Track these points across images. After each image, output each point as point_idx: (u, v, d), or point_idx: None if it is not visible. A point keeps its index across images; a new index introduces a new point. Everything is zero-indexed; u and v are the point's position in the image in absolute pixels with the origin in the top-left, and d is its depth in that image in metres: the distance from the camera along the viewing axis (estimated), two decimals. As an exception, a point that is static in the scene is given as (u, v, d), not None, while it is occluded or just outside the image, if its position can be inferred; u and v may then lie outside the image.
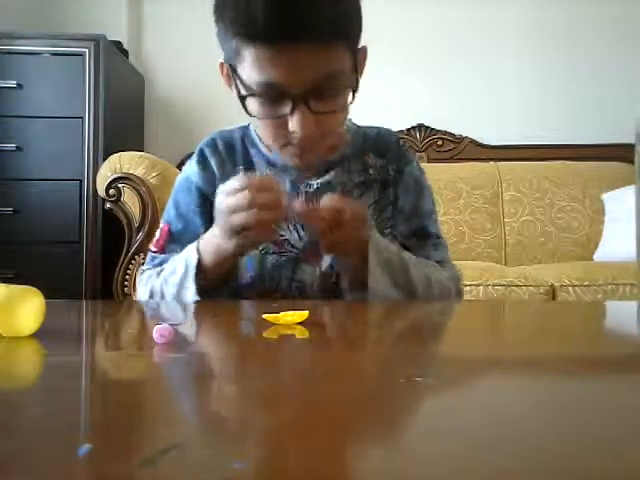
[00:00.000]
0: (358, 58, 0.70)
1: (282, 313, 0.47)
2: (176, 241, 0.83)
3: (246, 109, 0.69)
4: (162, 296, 0.77)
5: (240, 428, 0.22)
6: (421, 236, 0.83)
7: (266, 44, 0.63)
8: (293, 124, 0.66)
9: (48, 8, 2.54)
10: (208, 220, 0.79)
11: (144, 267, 0.87)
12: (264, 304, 0.66)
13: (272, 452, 0.20)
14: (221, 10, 0.67)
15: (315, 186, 0.80)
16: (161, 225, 0.86)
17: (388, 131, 0.90)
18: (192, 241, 0.78)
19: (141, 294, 0.82)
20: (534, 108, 2.66)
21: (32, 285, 0.43)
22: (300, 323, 0.47)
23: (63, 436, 0.21)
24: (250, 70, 0.65)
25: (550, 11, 2.64)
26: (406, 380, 0.29)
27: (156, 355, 0.36)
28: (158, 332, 0.38)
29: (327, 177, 0.81)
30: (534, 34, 2.67)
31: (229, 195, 0.67)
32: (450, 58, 2.67)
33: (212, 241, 0.73)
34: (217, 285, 0.75)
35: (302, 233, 0.78)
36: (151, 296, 0.79)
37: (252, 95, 0.67)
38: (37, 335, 0.41)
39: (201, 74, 2.54)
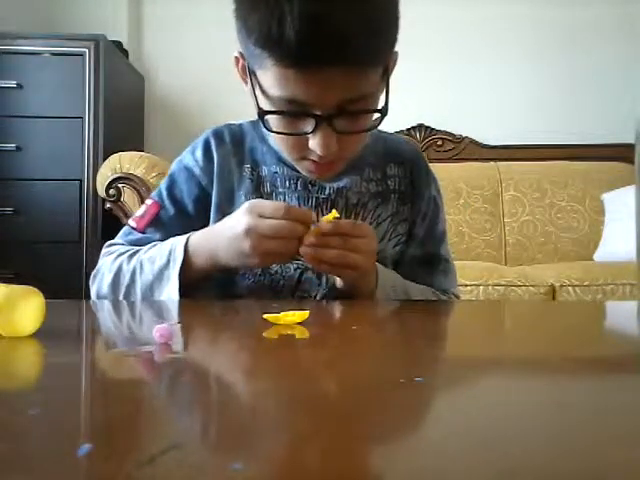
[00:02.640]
0: (389, 78, 0.65)
1: (282, 313, 0.47)
2: (161, 226, 0.78)
3: (264, 122, 0.64)
4: (131, 280, 0.72)
5: (240, 428, 0.22)
6: (432, 262, 0.82)
7: (295, 65, 0.58)
8: (314, 143, 0.62)
9: (48, 8, 2.54)
10: (202, 214, 0.77)
11: (115, 240, 0.81)
12: (264, 304, 0.66)
13: (272, 453, 0.20)
14: (244, 13, 0.60)
15: (328, 191, 0.77)
16: (149, 201, 0.80)
17: (413, 146, 0.88)
18: (178, 231, 0.74)
19: (105, 270, 0.75)
20: (534, 108, 2.66)
21: (32, 285, 0.43)
22: (300, 323, 0.47)
23: (63, 436, 0.21)
24: (272, 82, 0.60)
25: (550, 11, 2.65)
26: (406, 380, 0.29)
27: (156, 355, 0.36)
28: (158, 332, 0.38)
29: (342, 182, 0.78)
30: (534, 34, 2.67)
31: (266, 218, 0.63)
32: (450, 58, 2.67)
33: (209, 247, 0.69)
34: (195, 285, 0.72)
35: None
36: (116, 278, 0.73)
37: (273, 113, 0.63)
38: (37, 335, 0.41)
39: (201, 74, 2.54)
